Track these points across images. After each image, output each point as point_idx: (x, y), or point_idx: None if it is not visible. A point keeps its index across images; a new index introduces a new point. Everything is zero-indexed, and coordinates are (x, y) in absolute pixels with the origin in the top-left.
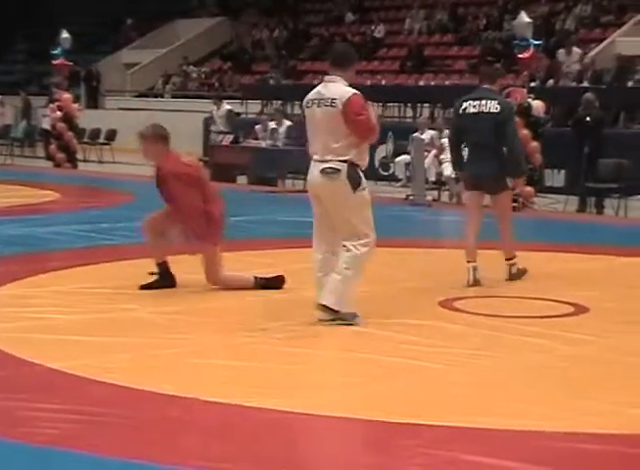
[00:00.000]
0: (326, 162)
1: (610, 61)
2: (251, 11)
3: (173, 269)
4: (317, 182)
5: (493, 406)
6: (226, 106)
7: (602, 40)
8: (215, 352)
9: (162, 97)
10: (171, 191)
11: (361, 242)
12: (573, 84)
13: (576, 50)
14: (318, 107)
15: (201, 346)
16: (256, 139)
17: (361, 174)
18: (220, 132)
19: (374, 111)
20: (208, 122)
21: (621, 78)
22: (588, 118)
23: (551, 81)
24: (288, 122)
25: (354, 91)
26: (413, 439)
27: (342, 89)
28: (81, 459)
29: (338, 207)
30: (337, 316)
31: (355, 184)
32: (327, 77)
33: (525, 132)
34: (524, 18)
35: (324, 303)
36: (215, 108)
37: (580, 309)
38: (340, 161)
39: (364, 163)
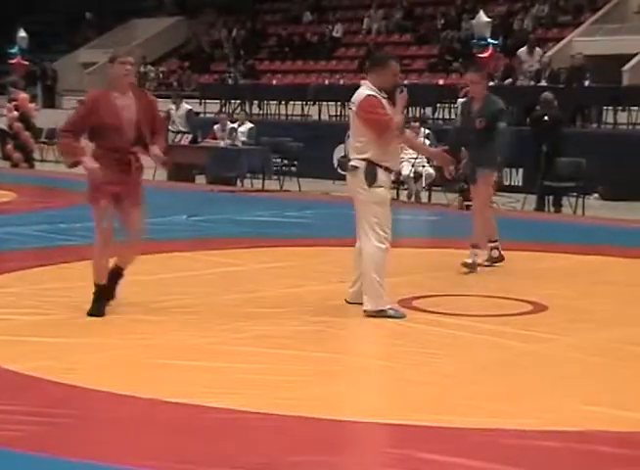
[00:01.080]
0: (352, 160)
1: (567, 60)
2: (209, 10)
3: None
4: (347, 179)
5: (452, 405)
6: (186, 105)
7: (559, 40)
8: (175, 352)
9: None
10: (155, 113)
11: (376, 240)
12: (531, 83)
13: (538, 50)
14: (350, 109)
15: (160, 346)
16: (215, 139)
17: (379, 173)
18: (179, 132)
19: (403, 100)
20: (167, 119)
21: (578, 78)
22: (546, 118)
23: (509, 80)
24: (250, 124)
25: (368, 93)
26: (368, 437)
27: (361, 92)
28: (39, 461)
29: (357, 202)
30: (380, 315)
31: (370, 181)
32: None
33: None
34: (482, 17)
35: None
36: (174, 107)
37: (539, 308)
38: (359, 158)
39: (391, 163)
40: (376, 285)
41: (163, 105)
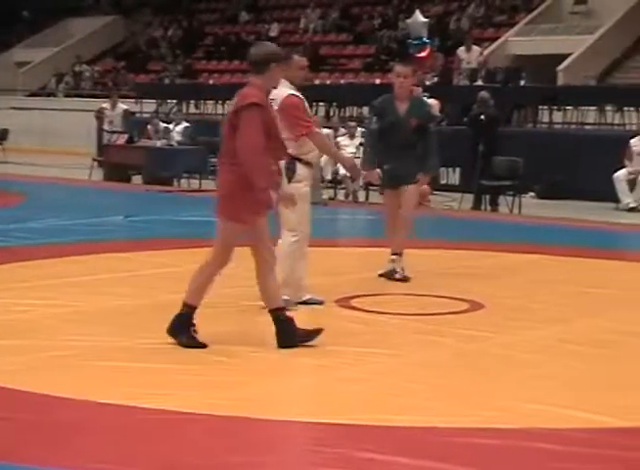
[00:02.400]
0: None
1: (503, 60)
2: (145, 9)
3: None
4: None
5: (388, 403)
6: (122, 105)
7: (495, 39)
8: (110, 354)
9: (55, 96)
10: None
11: (290, 234)
12: (468, 83)
13: (476, 48)
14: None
15: (95, 347)
16: (149, 139)
17: (299, 168)
18: (114, 132)
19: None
20: (100, 118)
21: (515, 77)
22: (483, 117)
23: (434, 80)
24: (186, 124)
25: (291, 92)
26: (307, 437)
27: (283, 91)
28: None
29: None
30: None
31: (290, 176)
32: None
33: None
34: (419, 17)
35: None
36: (109, 107)
37: (475, 306)
38: None
39: (311, 156)
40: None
41: (99, 105)
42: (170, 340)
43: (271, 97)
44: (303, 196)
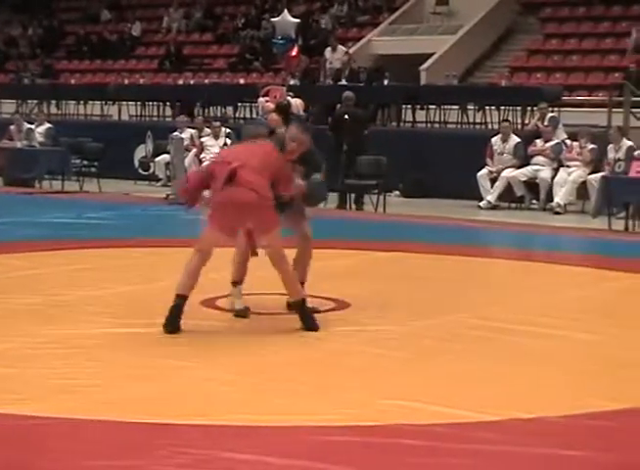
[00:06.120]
0: None
1: (367, 60)
2: (3, 7)
3: None
4: None
5: (254, 403)
6: None
7: (359, 39)
8: None
9: None
10: None
11: None
12: (331, 83)
13: (341, 47)
14: None
15: None
16: (11, 139)
17: None
18: None
19: None
20: None
21: (378, 77)
22: (347, 116)
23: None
24: (48, 125)
25: None
26: (170, 438)
27: None
28: None
29: None
30: None
31: None
32: None
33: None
34: (287, 17)
35: None
36: None
37: (342, 305)
38: None
39: None
40: None
41: None
42: (34, 340)
43: None
44: None
